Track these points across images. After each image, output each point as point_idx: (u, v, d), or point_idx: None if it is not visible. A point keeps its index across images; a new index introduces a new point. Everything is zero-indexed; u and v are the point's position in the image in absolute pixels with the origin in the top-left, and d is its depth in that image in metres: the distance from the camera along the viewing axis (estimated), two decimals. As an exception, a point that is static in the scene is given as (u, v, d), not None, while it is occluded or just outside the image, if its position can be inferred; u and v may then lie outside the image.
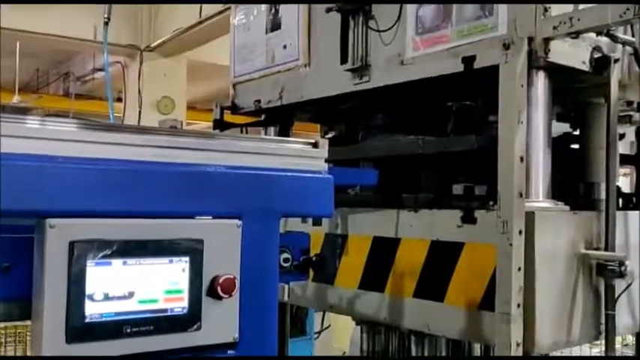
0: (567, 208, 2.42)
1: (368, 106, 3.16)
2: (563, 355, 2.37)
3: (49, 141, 1.45)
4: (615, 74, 2.42)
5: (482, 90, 2.49)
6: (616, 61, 2.43)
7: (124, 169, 1.53)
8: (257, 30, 3.50)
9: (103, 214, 1.47)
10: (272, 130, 3.63)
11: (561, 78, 2.45)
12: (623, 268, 2.31)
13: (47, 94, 14.00)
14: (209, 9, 7.66)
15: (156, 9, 9.37)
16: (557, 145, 2.55)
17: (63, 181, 1.42)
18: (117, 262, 1.46)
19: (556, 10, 2.29)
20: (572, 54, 2.39)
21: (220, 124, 3.63)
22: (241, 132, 3.68)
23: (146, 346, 1.50)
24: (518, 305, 2.18)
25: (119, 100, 9.96)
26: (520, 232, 2.20)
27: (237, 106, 3.65)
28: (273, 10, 3.40)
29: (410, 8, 2.69)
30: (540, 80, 2.37)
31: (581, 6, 2.28)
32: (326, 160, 1.91)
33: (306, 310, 5.89)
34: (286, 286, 1.93)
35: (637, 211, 2.67)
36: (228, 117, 3.69)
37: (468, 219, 2.40)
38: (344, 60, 2.92)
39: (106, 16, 4.06)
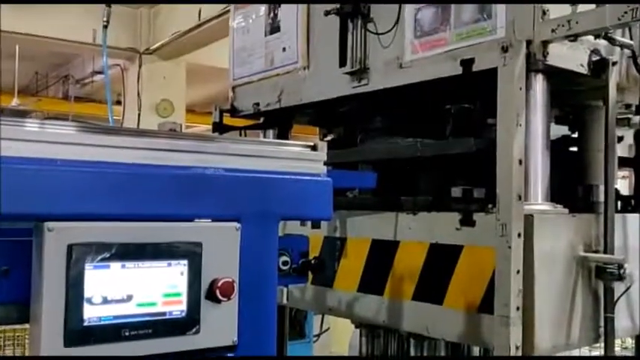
0: (566, 210, 2.42)
1: (367, 109, 3.16)
2: (562, 355, 2.36)
3: (48, 144, 1.45)
4: (613, 77, 2.43)
5: (481, 93, 2.49)
6: (614, 63, 2.43)
7: (122, 172, 1.53)
8: (256, 33, 3.50)
9: (102, 217, 1.47)
10: (271, 132, 3.63)
11: (560, 81, 2.46)
12: (622, 271, 2.31)
13: (46, 96, 13.99)
14: (208, 12, 7.66)
15: (155, 12, 9.38)
16: (556, 148, 2.55)
17: (61, 184, 1.42)
18: (115, 266, 1.46)
19: (554, 13, 2.29)
20: (571, 57, 2.39)
21: (219, 127, 3.63)
22: (240, 135, 3.68)
23: (145, 350, 1.50)
24: (518, 308, 2.18)
25: (118, 103, 9.96)
26: (519, 235, 2.20)
27: (237, 109, 3.65)
28: (272, 13, 3.41)
29: (408, 11, 2.69)
30: (539, 83, 2.38)
31: (580, 8, 2.29)
32: (325, 163, 1.91)
33: (305, 313, 5.89)
34: (285, 289, 1.93)
35: (636, 214, 2.68)
36: (228, 120, 3.69)
37: (467, 222, 2.40)
38: (343, 63, 2.92)
39: (105, 19, 4.06)
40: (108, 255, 1.45)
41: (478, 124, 2.62)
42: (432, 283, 2.51)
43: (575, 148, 2.97)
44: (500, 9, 2.36)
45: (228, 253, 1.64)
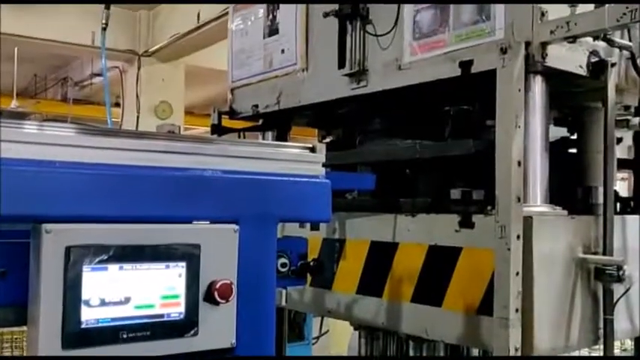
0: (565, 212, 2.42)
1: (366, 111, 3.16)
2: (562, 355, 2.36)
3: (46, 146, 1.45)
4: (612, 78, 2.42)
5: (480, 94, 2.49)
6: (613, 65, 2.43)
7: (120, 174, 1.52)
8: (255, 35, 3.50)
9: (100, 219, 1.47)
10: (270, 134, 3.63)
11: (558, 82, 2.45)
12: (621, 273, 2.31)
13: (45, 99, 13.99)
14: (207, 14, 7.67)
15: (154, 14, 9.38)
16: (555, 150, 2.55)
17: (59, 185, 1.41)
18: (113, 268, 1.46)
19: (553, 14, 2.29)
20: (570, 58, 2.39)
21: (218, 129, 3.63)
22: (239, 137, 3.68)
23: (142, 352, 1.49)
24: (517, 310, 2.18)
25: (117, 105, 9.96)
26: (518, 237, 2.19)
27: (235, 111, 3.65)
28: (270, 15, 3.41)
29: (407, 13, 2.69)
30: (537, 84, 2.37)
31: (579, 9, 2.29)
32: (323, 165, 1.90)
33: (305, 315, 5.89)
34: (284, 291, 1.92)
35: (635, 215, 2.67)
36: (226, 122, 3.69)
37: (466, 224, 2.40)
38: (341, 65, 2.92)
39: (103, 21, 4.06)
40: (106, 257, 1.45)
41: (477, 125, 2.62)
42: (431, 285, 2.51)
43: (574, 150, 2.97)
44: (499, 10, 2.36)
45: (226, 255, 1.63)
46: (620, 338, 2.76)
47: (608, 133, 2.44)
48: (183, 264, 1.55)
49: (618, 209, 2.81)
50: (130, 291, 1.48)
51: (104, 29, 4.01)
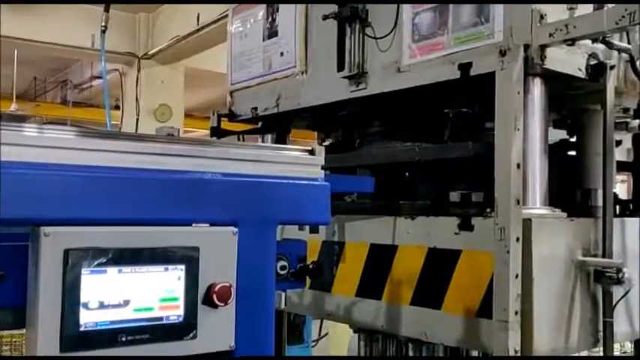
0: (564, 215, 2.42)
1: (365, 113, 3.16)
2: (561, 356, 2.36)
3: (45, 149, 1.45)
4: (611, 81, 2.43)
5: (479, 97, 2.49)
6: (612, 67, 2.43)
7: (119, 176, 1.52)
8: (254, 37, 3.50)
9: (99, 221, 1.47)
10: (269, 137, 3.63)
11: (557, 85, 2.46)
12: (620, 275, 2.31)
13: (45, 102, 13.99)
14: (207, 17, 7.66)
15: (153, 17, 9.38)
16: (554, 152, 2.55)
17: (58, 188, 1.41)
18: (112, 270, 1.46)
19: (552, 17, 2.30)
20: (568, 61, 2.39)
21: (217, 132, 3.63)
22: (238, 139, 3.68)
23: (141, 355, 1.49)
24: (516, 312, 2.17)
25: (117, 107, 9.96)
26: (517, 239, 2.19)
27: (234, 114, 3.65)
28: (270, 18, 3.41)
29: (406, 15, 2.69)
30: (536, 87, 2.38)
31: (578, 13, 2.29)
32: (323, 167, 1.90)
33: (304, 318, 5.87)
34: (283, 294, 1.92)
35: (634, 218, 2.67)
36: (226, 124, 3.69)
37: (465, 226, 2.40)
38: (341, 67, 2.92)
39: (103, 24, 4.06)
40: (104, 260, 1.45)
41: (476, 128, 2.63)
42: (431, 287, 2.51)
43: (573, 152, 2.97)
44: (498, 13, 2.36)
45: (225, 258, 1.63)
46: (619, 341, 2.76)
47: (607, 135, 2.44)
48: (182, 267, 1.55)
49: (618, 212, 2.81)
50: (129, 294, 1.48)
51: (103, 32, 4.01)
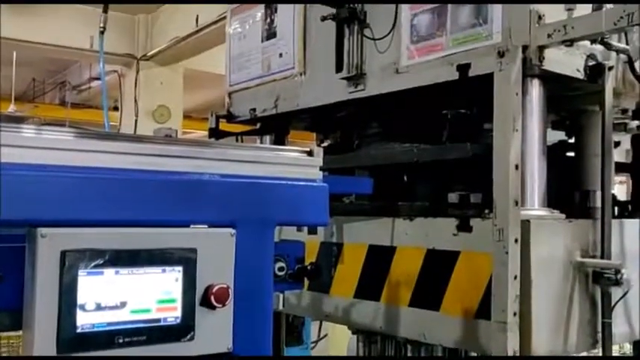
0: (563, 216, 2.42)
1: (363, 115, 3.16)
2: (560, 356, 2.36)
3: (42, 150, 1.45)
4: (610, 82, 2.43)
5: (478, 98, 2.49)
6: (610, 68, 2.43)
7: (117, 177, 1.52)
8: (253, 39, 3.50)
9: (96, 223, 1.46)
10: (268, 138, 3.62)
11: (556, 86, 2.45)
12: (619, 276, 2.31)
13: (43, 103, 13.99)
14: (206, 18, 7.66)
15: (152, 18, 9.38)
16: (553, 153, 2.55)
17: (54, 190, 1.41)
18: (109, 272, 1.45)
19: (550, 18, 2.29)
20: (567, 62, 2.39)
21: (216, 133, 3.63)
22: (237, 141, 3.67)
23: (139, 357, 1.49)
24: (515, 314, 2.17)
25: (116, 109, 9.96)
26: (516, 241, 2.19)
27: (233, 115, 3.65)
28: (268, 19, 3.41)
29: (405, 16, 2.69)
30: (535, 88, 2.37)
31: (576, 13, 2.29)
32: (321, 169, 1.90)
33: (303, 319, 5.87)
34: (281, 295, 1.92)
35: (633, 219, 2.67)
36: (224, 125, 3.69)
37: (464, 227, 2.39)
38: (339, 68, 2.92)
39: (101, 25, 4.06)
40: (101, 261, 1.44)
41: (475, 129, 2.63)
42: (429, 289, 2.50)
43: (571, 154, 2.96)
44: (496, 14, 2.36)
45: (223, 259, 1.63)
46: (618, 342, 2.76)
47: (605, 136, 2.44)
48: (180, 268, 1.55)
49: (616, 213, 2.81)
50: (126, 295, 1.47)
51: (102, 33, 4.00)
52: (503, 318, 2.16)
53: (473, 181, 2.52)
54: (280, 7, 3.33)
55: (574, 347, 2.37)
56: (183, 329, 1.55)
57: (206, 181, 1.65)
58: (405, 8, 2.70)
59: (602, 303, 2.38)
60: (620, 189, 4.03)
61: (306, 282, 2.02)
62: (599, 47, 2.43)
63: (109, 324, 1.45)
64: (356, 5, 2.83)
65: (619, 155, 3.11)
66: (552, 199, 2.44)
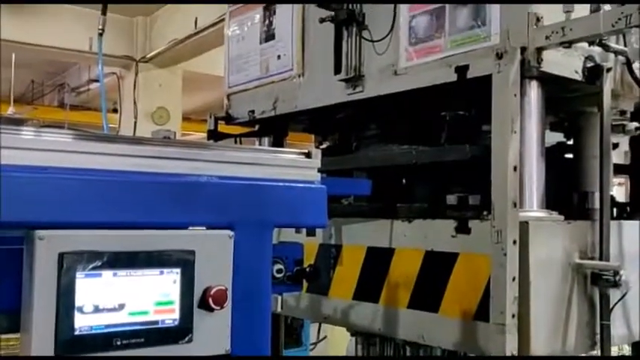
0: (561, 217, 2.42)
1: (362, 117, 3.16)
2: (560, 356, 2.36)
3: (40, 152, 1.44)
4: (608, 83, 2.43)
5: (476, 100, 2.49)
6: (608, 70, 2.43)
7: (115, 179, 1.51)
8: (251, 40, 3.50)
9: (93, 225, 1.46)
10: (266, 140, 3.62)
11: (554, 87, 2.46)
12: (617, 278, 2.31)
13: (42, 105, 13.97)
14: (204, 20, 7.67)
15: (151, 20, 9.39)
16: (551, 155, 2.55)
17: (52, 192, 1.40)
18: (107, 274, 1.45)
19: (548, 19, 2.30)
20: (565, 63, 2.40)
21: (214, 135, 3.62)
22: (235, 142, 3.67)
23: (137, 358, 1.48)
24: (513, 315, 2.17)
25: (115, 111, 9.95)
26: (514, 242, 2.19)
27: (232, 117, 3.65)
28: (267, 21, 3.41)
29: (403, 18, 2.69)
30: (533, 90, 2.38)
31: (574, 14, 2.29)
32: (319, 170, 1.90)
33: (302, 321, 5.87)
34: (279, 297, 1.91)
35: (631, 221, 2.67)
36: (223, 127, 3.68)
37: (462, 229, 2.39)
38: (338, 70, 2.92)
39: (100, 27, 4.06)
40: (99, 263, 1.44)
41: (473, 131, 2.62)
42: (428, 290, 2.50)
43: (570, 155, 2.97)
44: (494, 16, 2.37)
45: (221, 261, 1.63)
46: (617, 344, 2.75)
47: (604, 138, 2.44)
48: (178, 270, 1.54)
49: (615, 214, 2.81)
50: (124, 297, 1.47)
51: (100, 35, 4.00)
52: (502, 320, 2.16)
53: (471, 182, 2.52)
54: (279, 9, 3.33)
55: (572, 349, 2.36)
56: (181, 331, 1.54)
57: (204, 182, 1.65)
58: (403, 10, 2.70)
59: (601, 305, 2.38)
60: (619, 191, 4.04)
61: (305, 284, 2.02)
62: (597, 49, 2.43)
63: (107, 326, 1.44)
64: (354, 7, 2.83)
65: (617, 157, 3.11)
66: (551, 201, 2.44)
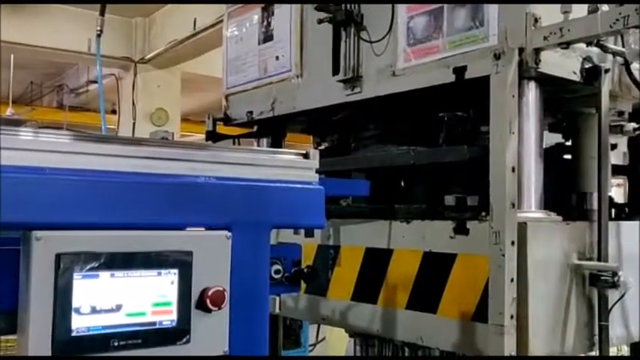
0: (560, 218, 2.41)
1: (360, 117, 3.16)
2: (559, 356, 2.35)
3: (38, 152, 1.44)
4: (606, 84, 2.43)
5: (474, 100, 2.49)
6: (606, 71, 2.43)
7: (112, 180, 1.51)
8: (249, 41, 3.50)
9: (91, 226, 1.46)
10: (265, 141, 3.62)
11: (552, 88, 2.46)
12: (616, 279, 2.31)
13: (41, 106, 13.96)
14: (203, 21, 7.66)
15: (150, 21, 9.38)
16: (549, 156, 2.55)
17: (49, 192, 1.40)
18: (104, 275, 1.45)
19: (546, 20, 2.30)
20: (563, 64, 2.40)
21: (213, 136, 3.62)
22: (234, 143, 3.67)
23: (134, 358, 1.48)
24: (512, 316, 2.17)
25: (114, 112, 9.95)
26: (512, 243, 2.19)
27: (230, 118, 3.65)
28: (265, 22, 3.41)
29: (401, 19, 2.70)
30: (531, 90, 2.38)
31: (572, 16, 2.29)
32: (317, 171, 1.90)
33: (301, 322, 5.86)
34: (277, 298, 1.91)
35: (629, 222, 2.67)
36: (221, 128, 3.68)
37: (461, 230, 2.39)
38: (336, 71, 2.92)
39: (98, 28, 4.06)
40: (97, 264, 1.44)
41: (471, 131, 2.62)
42: (426, 291, 2.50)
43: (568, 156, 2.97)
44: (492, 17, 2.37)
45: (219, 262, 1.62)
46: (615, 344, 2.75)
47: (602, 139, 2.44)
48: (176, 271, 1.54)
49: (613, 215, 2.81)
50: (122, 298, 1.47)
51: (99, 36, 4.01)
52: (500, 321, 2.16)
53: (469, 183, 2.52)
54: (277, 10, 3.33)
55: (571, 350, 2.36)
56: (178, 332, 1.54)
57: (202, 183, 1.65)
58: (401, 11, 2.70)
59: (599, 305, 2.38)
60: (617, 191, 4.03)
61: (303, 285, 2.02)
62: (595, 50, 2.43)
63: (104, 327, 1.44)
64: (353, 8, 2.83)
65: (616, 158, 3.11)
66: (549, 202, 2.44)
